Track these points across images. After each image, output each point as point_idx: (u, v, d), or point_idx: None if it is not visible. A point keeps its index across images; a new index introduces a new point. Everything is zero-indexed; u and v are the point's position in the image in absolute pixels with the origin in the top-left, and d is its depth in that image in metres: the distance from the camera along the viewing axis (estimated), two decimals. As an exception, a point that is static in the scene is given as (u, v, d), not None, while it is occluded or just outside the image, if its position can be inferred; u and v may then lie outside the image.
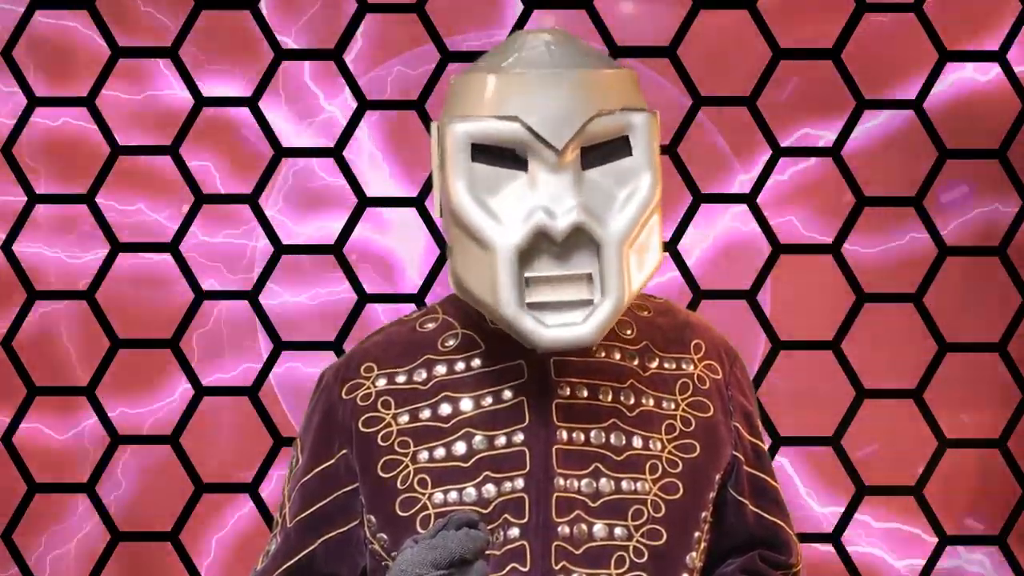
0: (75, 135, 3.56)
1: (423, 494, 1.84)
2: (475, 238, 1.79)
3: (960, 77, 3.56)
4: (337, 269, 3.53)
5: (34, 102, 3.55)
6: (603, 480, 1.83)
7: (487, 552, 1.79)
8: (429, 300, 3.50)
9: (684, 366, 1.93)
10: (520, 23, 3.53)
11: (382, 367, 1.91)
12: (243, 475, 3.54)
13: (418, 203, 3.55)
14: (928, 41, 3.54)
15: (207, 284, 3.53)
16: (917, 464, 3.54)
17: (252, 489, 3.53)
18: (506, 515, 1.82)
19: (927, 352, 3.53)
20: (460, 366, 1.89)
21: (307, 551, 1.91)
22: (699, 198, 3.55)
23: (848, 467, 3.53)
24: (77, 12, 3.55)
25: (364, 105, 3.55)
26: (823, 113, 3.55)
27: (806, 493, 3.54)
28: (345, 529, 1.90)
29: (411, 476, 1.85)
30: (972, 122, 3.55)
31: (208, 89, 3.55)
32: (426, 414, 1.87)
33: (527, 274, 1.78)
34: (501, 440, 1.84)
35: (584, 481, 1.83)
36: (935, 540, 3.53)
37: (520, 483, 1.83)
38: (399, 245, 3.56)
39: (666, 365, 1.92)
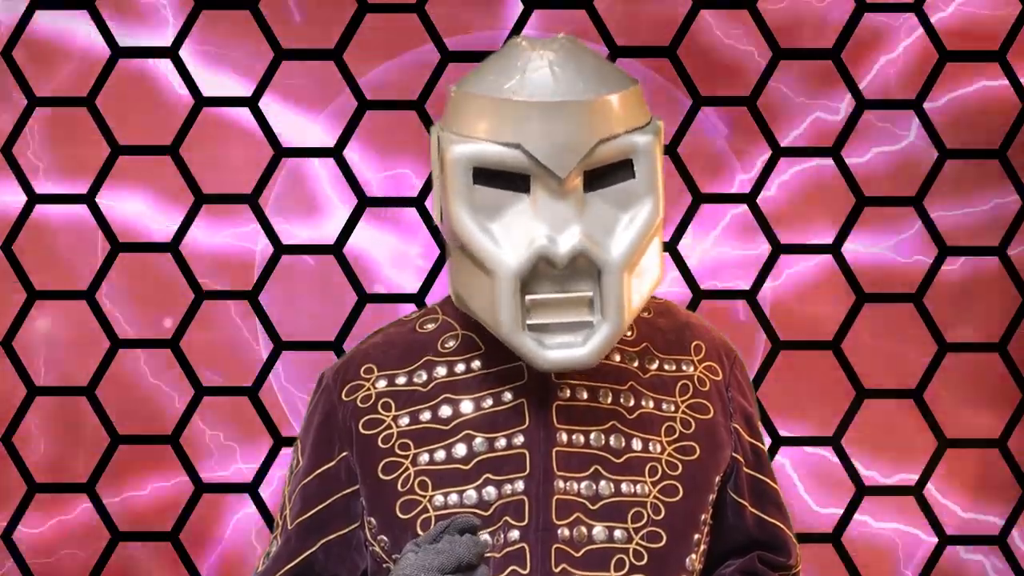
0: (75, 135, 3.55)
1: (423, 496, 1.84)
2: (476, 262, 1.79)
3: (960, 77, 3.55)
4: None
5: (34, 102, 3.55)
6: (603, 482, 1.83)
7: (487, 555, 1.79)
8: (429, 300, 3.49)
9: (684, 368, 1.92)
10: (520, 23, 3.53)
11: (382, 369, 1.91)
12: (243, 475, 3.54)
13: (418, 203, 3.54)
14: (928, 41, 3.54)
15: (207, 284, 3.54)
16: (917, 464, 3.54)
17: (252, 489, 3.53)
18: (506, 517, 1.82)
19: (927, 352, 3.53)
20: (460, 368, 1.89)
21: (307, 553, 1.91)
22: (699, 198, 3.55)
23: (848, 467, 3.53)
24: (77, 12, 3.55)
25: (364, 105, 3.55)
26: (823, 113, 3.55)
27: (806, 493, 3.54)
28: (346, 531, 1.90)
29: (411, 478, 1.85)
30: (972, 122, 3.55)
31: (208, 89, 3.55)
32: (426, 416, 1.87)
33: (528, 297, 1.78)
34: (501, 442, 1.84)
35: (584, 483, 1.83)
36: (935, 540, 3.53)
37: (520, 485, 1.82)
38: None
39: (666, 367, 1.92)
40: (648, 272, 1.83)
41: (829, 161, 3.55)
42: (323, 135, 3.56)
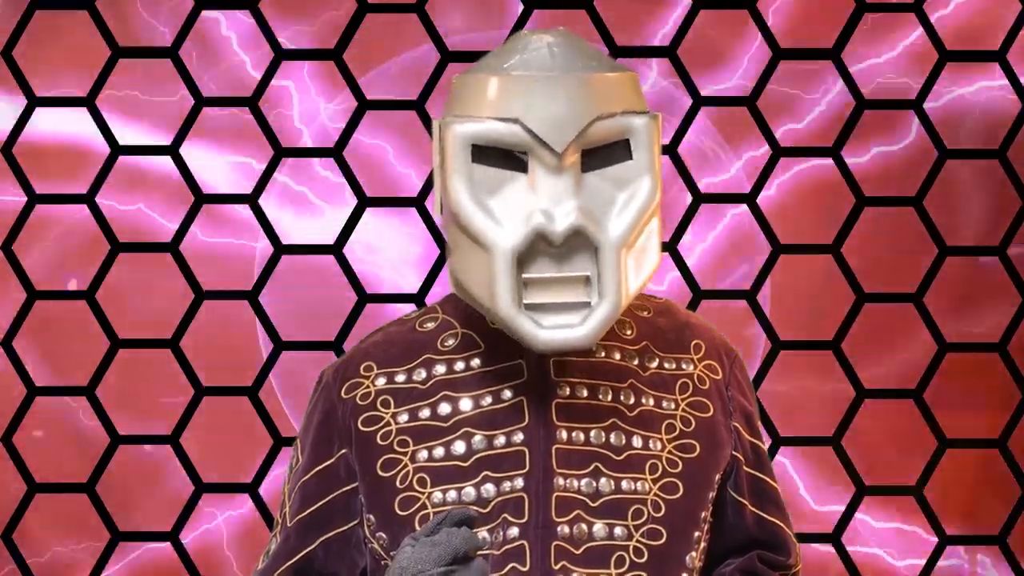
0: (75, 135, 3.56)
1: (422, 493, 1.84)
2: (474, 239, 1.79)
3: (960, 78, 3.56)
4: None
5: (34, 102, 3.55)
6: (603, 480, 1.83)
7: (486, 551, 1.80)
8: (429, 300, 3.50)
9: (684, 366, 1.93)
10: (520, 23, 3.53)
11: (382, 366, 1.91)
12: (243, 475, 3.54)
13: (418, 203, 3.55)
14: (928, 41, 3.54)
15: (207, 284, 3.54)
16: (917, 464, 3.54)
17: (252, 489, 3.53)
18: (505, 515, 1.82)
19: (927, 352, 3.54)
20: (460, 366, 1.89)
21: (307, 551, 1.91)
22: (699, 198, 3.55)
23: (848, 467, 3.53)
24: (77, 12, 3.55)
25: (364, 105, 3.55)
26: (823, 113, 3.55)
27: (806, 493, 3.54)
28: (345, 529, 1.90)
29: (410, 475, 1.85)
30: (972, 122, 3.56)
31: (208, 90, 3.55)
32: (425, 413, 1.87)
33: (525, 275, 1.78)
34: (500, 440, 1.84)
35: (584, 481, 1.83)
36: (935, 540, 3.53)
37: (519, 483, 1.83)
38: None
39: (666, 365, 1.92)
40: (647, 254, 1.83)
41: (829, 161, 3.55)
42: (323, 134, 3.56)
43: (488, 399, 1.86)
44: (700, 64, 3.55)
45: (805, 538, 3.45)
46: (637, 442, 1.86)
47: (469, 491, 1.83)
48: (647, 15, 3.56)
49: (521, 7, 3.55)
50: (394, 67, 3.57)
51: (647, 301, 1.97)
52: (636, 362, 1.90)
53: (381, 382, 1.90)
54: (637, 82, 1.86)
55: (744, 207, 3.55)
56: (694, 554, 1.87)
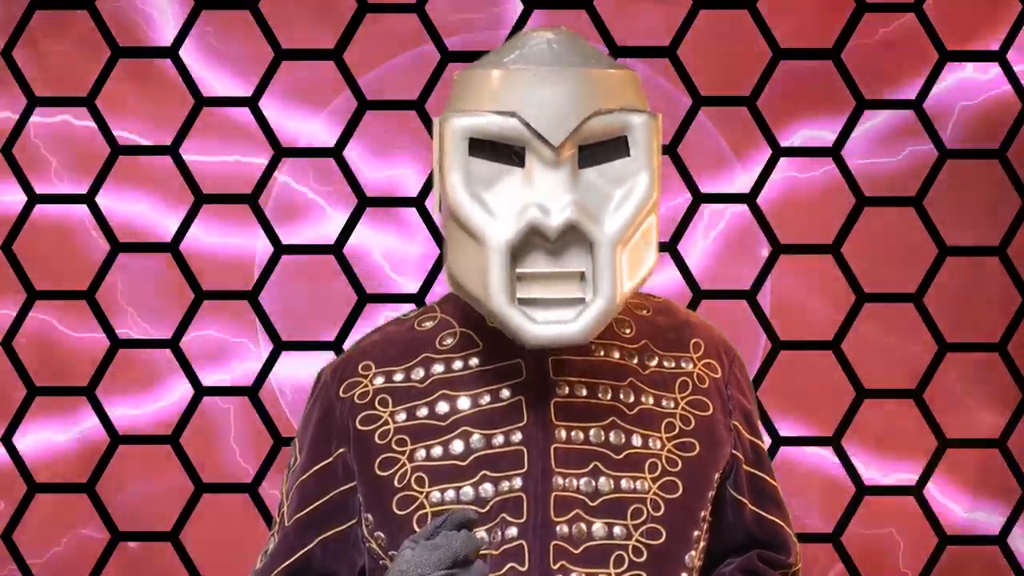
0: (75, 135, 3.56)
1: (420, 492, 1.84)
2: (469, 232, 1.79)
3: (960, 77, 3.56)
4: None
5: (34, 102, 3.55)
6: (602, 479, 1.83)
7: (484, 552, 1.79)
8: (429, 300, 3.49)
9: (683, 365, 1.92)
10: (520, 23, 3.53)
11: (380, 366, 1.91)
12: (243, 475, 3.54)
13: (418, 203, 3.55)
14: (928, 41, 3.54)
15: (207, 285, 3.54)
16: (917, 464, 3.54)
17: (252, 489, 3.53)
18: (504, 514, 1.81)
19: (927, 352, 3.53)
20: (458, 365, 1.89)
21: (305, 550, 1.91)
22: (699, 198, 3.55)
23: (848, 467, 3.53)
24: (77, 12, 3.55)
25: (364, 105, 3.55)
26: (823, 113, 3.55)
27: (806, 493, 3.54)
28: (343, 528, 1.90)
29: (408, 474, 1.85)
30: (972, 122, 3.55)
31: (208, 89, 3.55)
32: (423, 412, 1.87)
33: (519, 270, 1.78)
34: (499, 439, 1.84)
35: (583, 480, 1.83)
36: (935, 540, 3.53)
37: (518, 482, 1.82)
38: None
39: (665, 364, 1.92)
40: (644, 253, 1.82)
41: (829, 161, 3.55)
42: (323, 135, 3.56)
43: (486, 398, 1.86)
44: (700, 64, 3.55)
45: (805, 538, 3.44)
46: (636, 441, 1.86)
47: (467, 490, 1.83)
48: (647, 15, 3.56)
49: (521, 7, 3.55)
50: (394, 67, 3.57)
51: (646, 300, 1.97)
52: (635, 361, 1.90)
53: (379, 381, 1.90)
54: (638, 81, 1.86)
55: (744, 207, 3.55)
56: (693, 553, 1.87)
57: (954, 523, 3.54)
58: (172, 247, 3.54)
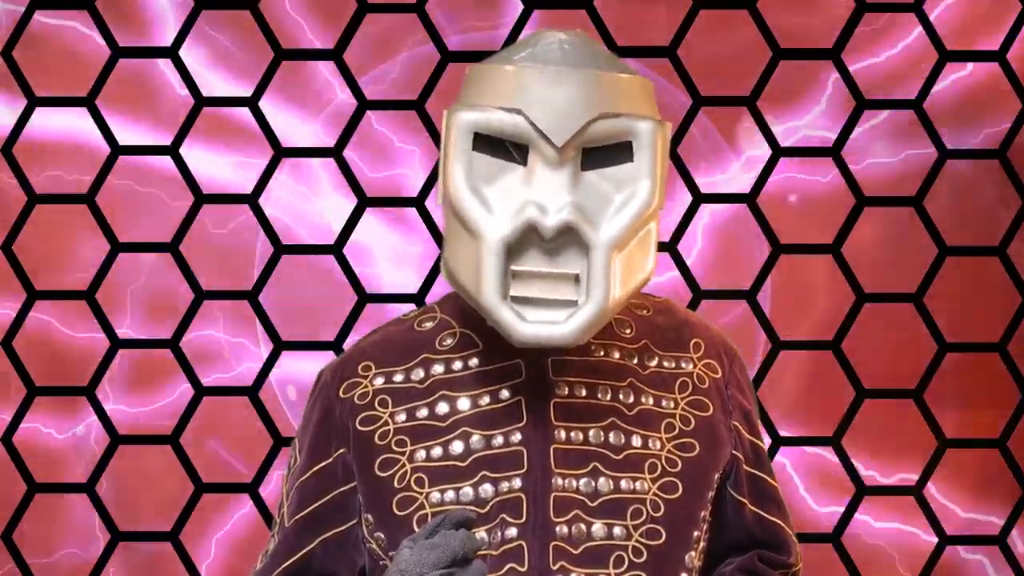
0: (75, 135, 3.55)
1: (420, 493, 1.84)
2: (466, 226, 1.79)
3: (960, 77, 3.55)
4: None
5: (34, 102, 3.55)
6: (602, 479, 1.83)
7: (484, 552, 1.79)
8: (429, 300, 3.49)
9: (683, 365, 1.92)
10: (520, 23, 3.53)
11: (380, 366, 1.91)
12: (243, 475, 3.54)
13: (418, 203, 3.54)
14: (928, 41, 3.54)
15: (207, 284, 3.54)
16: (917, 464, 3.54)
17: (252, 489, 3.53)
18: (503, 515, 1.81)
19: (927, 352, 3.53)
20: (458, 365, 1.89)
21: (305, 551, 1.91)
22: (699, 198, 3.55)
23: (848, 467, 3.53)
24: (77, 12, 3.55)
25: (364, 105, 3.55)
26: (823, 113, 3.55)
27: (806, 493, 3.54)
28: (343, 528, 1.90)
29: (408, 475, 1.85)
30: (972, 122, 3.55)
31: (208, 89, 3.55)
32: (423, 413, 1.87)
33: (514, 267, 1.78)
34: (499, 440, 1.84)
35: (583, 480, 1.83)
36: (935, 540, 3.53)
37: (518, 483, 1.82)
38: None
39: (665, 364, 1.92)
40: (640, 260, 1.82)
41: (829, 161, 3.55)
42: (323, 135, 3.56)
43: (486, 399, 1.86)
44: (700, 64, 3.55)
45: (805, 538, 3.44)
46: (636, 441, 1.86)
47: (467, 491, 1.83)
48: (647, 15, 3.56)
49: (521, 7, 3.55)
50: (394, 67, 3.57)
51: (646, 300, 1.97)
52: (635, 361, 1.90)
53: (379, 382, 1.90)
54: (650, 89, 1.86)
55: (744, 207, 3.54)
56: (693, 554, 1.87)
57: (954, 523, 3.53)
58: (172, 247, 3.54)
